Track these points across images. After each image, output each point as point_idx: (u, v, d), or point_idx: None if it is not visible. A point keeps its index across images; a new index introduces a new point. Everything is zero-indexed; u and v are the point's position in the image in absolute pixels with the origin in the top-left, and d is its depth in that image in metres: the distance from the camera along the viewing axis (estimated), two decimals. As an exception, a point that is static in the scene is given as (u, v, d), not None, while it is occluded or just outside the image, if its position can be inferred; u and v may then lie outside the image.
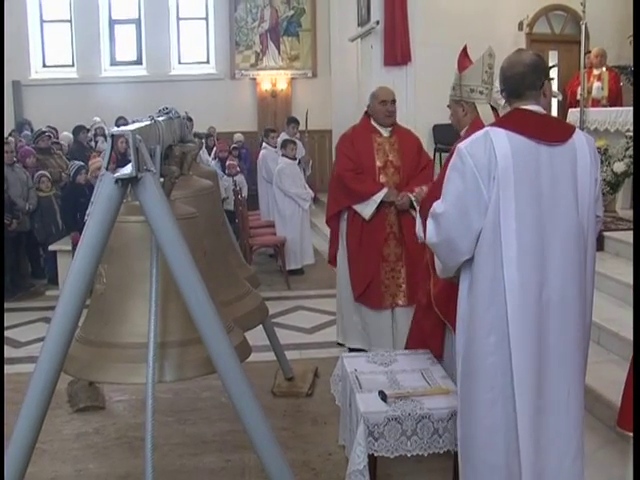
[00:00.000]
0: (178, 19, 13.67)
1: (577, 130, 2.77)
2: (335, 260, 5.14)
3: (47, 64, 13.54)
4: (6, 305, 6.46)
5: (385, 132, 4.87)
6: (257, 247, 8.01)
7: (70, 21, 13.35)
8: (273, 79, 13.74)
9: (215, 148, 10.42)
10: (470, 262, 2.69)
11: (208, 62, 13.89)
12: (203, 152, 9.49)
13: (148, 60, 13.49)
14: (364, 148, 4.84)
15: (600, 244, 5.72)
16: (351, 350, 4.91)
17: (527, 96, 2.70)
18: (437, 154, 9.79)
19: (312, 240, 8.49)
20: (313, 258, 8.25)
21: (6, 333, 6.03)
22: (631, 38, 8.23)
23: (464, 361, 2.75)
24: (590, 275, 2.75)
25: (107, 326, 2.91)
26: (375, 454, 3.14)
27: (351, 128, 5.17)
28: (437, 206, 2.72)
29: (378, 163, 4.81)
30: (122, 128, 2.70)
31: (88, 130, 10.92)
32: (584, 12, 7.22)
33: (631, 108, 6.85)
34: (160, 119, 3.00)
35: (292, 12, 13.78)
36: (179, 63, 13.78)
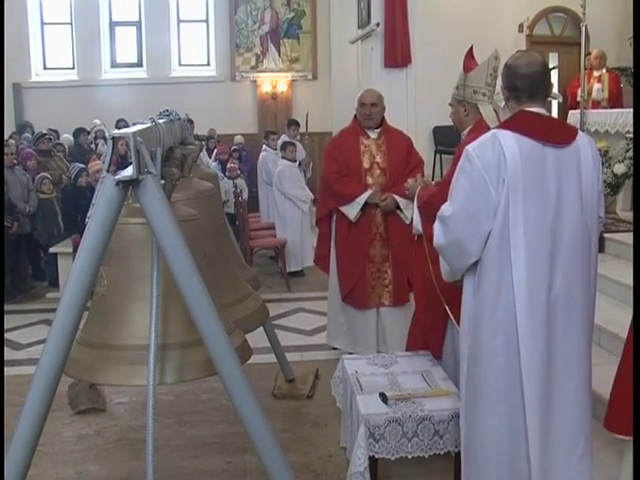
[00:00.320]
0: (178, 21, 13.68)
1: (579, 132, 2.78)
2: (321, 261, 5.24)
3: (48, 66, 13.54)
4: (7, 307, 6.46)
5: (372, 134, 4.91)
6: (257, 249, 8.01)
7: (70, 23, 13.35)
8: (273, 81, 13.75)
9: (215, 150, 10.43)
10: (476, 264, 2.69)
11: (208, 64, 13.89)
12: (203, 154, 9.49)
13: (148, 62, 13.49)
14: (351, 150, 4.90)
15: (600, 246, 5.70)
16: (334, 350, 5.04)
17: (539, 98, 2.71)
18: (437, 156, 9.79)
19: (312, 242, 8.48)
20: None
21: (7, 335, 6.03)
22: (631, 40, 8.23)
23: (470, 362, 2.74)
24: (593, 276, 2.77)
25: (108, 328, 2.90)
26: (376, 456, 3.14)
27: (340, 131, 5.25)
28: (445, 209, 2.73)
29: (364, 165, 4.87)
30: (123, 130, 2.70)
31: (89, 132, 10.93)
32: (584, 14, 7.23)
33: (631, 110, 6.86)
34: (161, 121, 3.00)
35: (292, 14, 13.78)
36: (179, 65, 13.78)
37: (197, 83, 13.32)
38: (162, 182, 2.84)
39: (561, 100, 9.68)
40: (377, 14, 8.74)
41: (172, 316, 2.85)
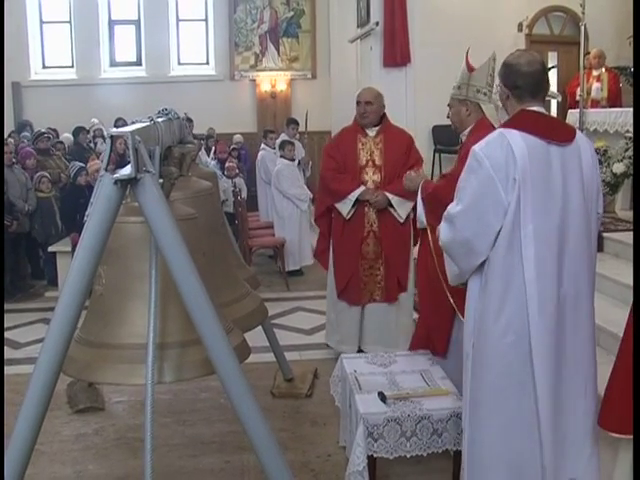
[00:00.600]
0: (178, 20, 13.66)
1: (577, 130, 2.81)
2: (320, 256, 5.29)
3: (47, 65, 13.52)
4: (6, 306, 6.45)
5: (371, 132, 4.93)
6: (256, 248, 8.01)
7: (70, 22, 13.33)
8: (272, 80, 13.74)
9: (213, 148, 10.42)
10: (482, 263, 2.69)
11: (208, 63, 13.88)
12: (202, 153, 9.49)
13: (148, 61, 13.48)
14: (348, 148, 4.95)
15: (599, 245, 5.70)
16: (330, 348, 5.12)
17: (540, 96, 2.74)
18: (437, 155, 9.79)
19: (311, 241, 8.48)
20: (312, 259, 8.24)
21: (6, 334, 6.03)
22: (630, 39, 8.24)
23: (475, 362, 2.73)
24: (594, 273, 2.80)
25: (106, 327, 2.91)
26: (374, 455, 3.14)
27: (341, 129, 5.27)
28: (452, 208, 2.72)
29: (360, 162, 4.88)
30: (121, 129, 2.70)
31: (88, 131, 10.92)
32: (583, 13, 7.22)
33: (630, 109, 6.85)
34: (159, 120, 3.00)
35: (291, 13, 13.77)
36: (179, 64, 13.76)
37: (196, 82, 13.31)
38: (160, 181, 2.84)
39: (560, 99, 9.68)
40: (376, 13, 8.73)
41: (170, 315, 2.86)
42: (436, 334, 3.85)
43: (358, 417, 3.17)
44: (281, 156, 8.21)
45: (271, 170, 8.45)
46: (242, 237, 7.83)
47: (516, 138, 2.60)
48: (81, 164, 7.88)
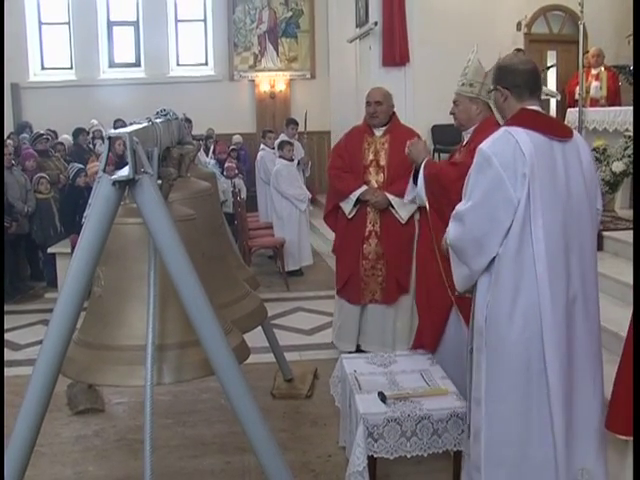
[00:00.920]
0: (176, 21, 13.66)
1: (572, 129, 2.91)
2: (336, 250, 5.27)
3: (45, 66, 13.52)
4: (5, 308, 6.44)
5: (378, 132, 4.92)
6: (256, 248, 8.00)
7: (68, 23, 13.34)
8: (272, 80, 13.74)
9: (212, 147, 10.42)
10: (492, 260, 2.70)
11: (206, 64, 13.88)
12: (201, 154, 9.49)
13: (146, 62, 13.48)
14: (355, 147, 4.96)
15: (599, 244, 5.71)
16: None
17: (537, 94, 2.81)
18: (436, 154, 9.79)
19: (310, 241, 8.49)
20: (311, 259, 8.25)
21: (5, 336, 6.02)
22: (629, 38, 8.24)
23: (490, 360, 2.72)
24: (597, 270, 2.85)
25: (105, 329, 2.90)
26: (375, 455, 3.14)
27: (351, 128, 5.27)
28: (461, 207, 2.75)
29: (365, 162, 4.88)
30: (119, 130, 2.70)
31: (88, 133, 10.92)
32: (582, 12, 7.22)
33: (630, 108, 6.85)
34: (158, 121, 2.99)
35: (290, 13, 13.78)
36: (177, 65, 13.77)
37: (195, 83, 13.32)
38: (159, 182, 2.83)
39: (559, 98, 9.67)
40: (375, 13, 8.74)
41: (169, 316, 2.85)
42: (428, 330, 3.86)
43: (358, 417, 3.16)
44: (280, 156, 8.21)
45: (271, 170, 8.45)
46: (241, 237, 7.83)
47: (522, 135, 2.65)
48: (80, 165, 7.86)
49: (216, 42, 13.68)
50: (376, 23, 8.66)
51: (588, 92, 8.32)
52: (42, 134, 9.29)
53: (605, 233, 5.77)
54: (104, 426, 4.29)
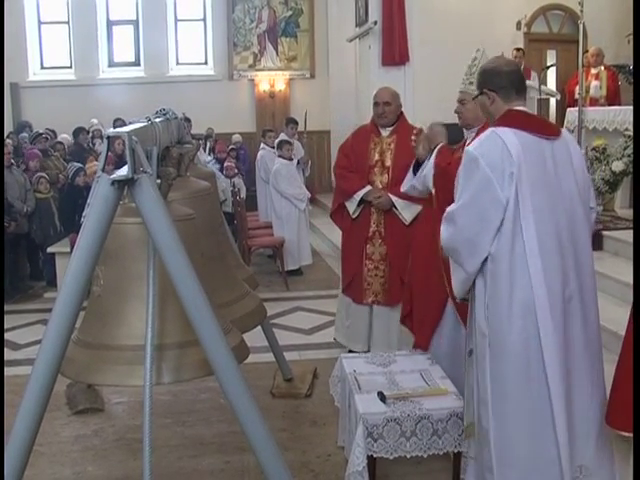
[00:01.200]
0: (176, 20, 13.66)
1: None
2: (342, 249, 5.28)
3: (45, 66, 13.52)
4: (5, 307, 6.44)
5: (385, 132, 4.90)
6: (255, 248, 8.00)
7: (68, 22, 13.33)
8: (271, 80, 13.73)
9: (210, 145, 10.41)
10: (485, 260, 2.71)
11: (206, 63, 13.88)
12: (201, 153, 9.48)
13: (146, 61, 13.47)
14: (361, 147, 4.94)
15: (599, 243, 5.72)
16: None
17: (522, 94, 2.84)
18: (436, 154, 9.76)
19: (310, 240, 8.48)
20: (311, 259, 8.24)
21: (5, 335, 6.02)
22: (629, 37, 8.25)
23: (492, 359, 2.72)
24: (593, 267, 2.87)
25: (104, 328, 2.89)
26: (374, 455, 3.13)
27: (359, 127, 5.28)
28: (451, 209, 2.77)
29: (370, 162, 4.87)
30: (118, 130, 2.69)
31: (88, 132, 10.91)
32: (582, 11, 7.23)
33: (629, 107, 6.85)
34: (157, 120, 2.99)
35: (290, 13, 13.77)
36: (177, 64, 13.76)
37: (195, 82, 13.31)
38: (158, 181, 2.83)
39: (559, 98, 9.67)
40: (375, 12, 8.74)
41: (169, 316, 2.84)
42: (422, 328, 3.87)
43: (358, 417, 3.16)
44: (279, 156, 8.20)
45: (271, 169, 8.44)
46: (241, 237, 7.82)
47: (508, 135, 2.67)
48: (79, 165, 7.86)
49: (216, 41, 13.68)
50: (376, 22, 8.66)
51: (588, 91, 8.32)
52: (41, 133, 9.29)
53: (605, 233, 5.78)
54: (103, 426, 4.28)
